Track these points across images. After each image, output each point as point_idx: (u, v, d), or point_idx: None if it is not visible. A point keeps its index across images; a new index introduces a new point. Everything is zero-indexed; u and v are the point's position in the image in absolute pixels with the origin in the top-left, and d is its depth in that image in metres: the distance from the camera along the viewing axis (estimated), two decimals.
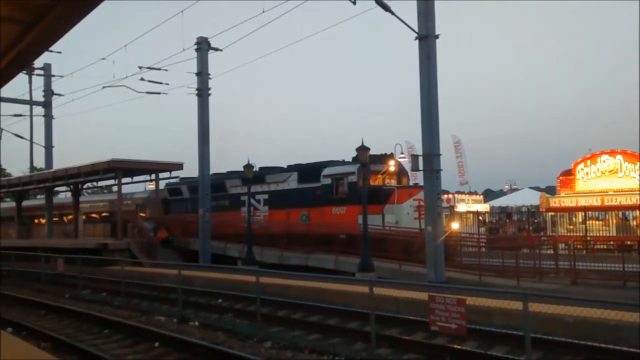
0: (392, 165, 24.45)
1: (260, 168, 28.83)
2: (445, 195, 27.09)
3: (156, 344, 10.85)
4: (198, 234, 28.07)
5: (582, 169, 30.27)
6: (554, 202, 30.62)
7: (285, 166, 28.22)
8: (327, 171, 24.76)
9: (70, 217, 38.87)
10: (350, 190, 23.36)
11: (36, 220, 42.89)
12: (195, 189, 29.52)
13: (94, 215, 39.75)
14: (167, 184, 35.18)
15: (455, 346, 9.73)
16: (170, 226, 30.95)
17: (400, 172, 25.19)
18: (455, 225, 24.28)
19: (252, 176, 25.54)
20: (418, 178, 29.48)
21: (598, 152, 30.13)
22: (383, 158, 24.38)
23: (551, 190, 35.65)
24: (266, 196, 27.90)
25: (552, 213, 29.11)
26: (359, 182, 22.69)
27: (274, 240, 25.28)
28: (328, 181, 24.51)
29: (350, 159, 25.00)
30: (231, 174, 30.75)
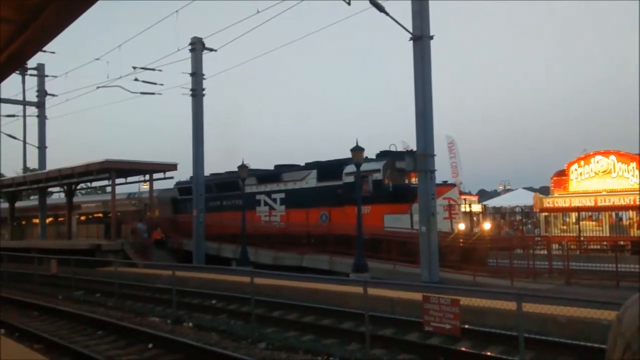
0: None
1: (276, 166, 28.30)
2: (466, 197, 25.64)
3: (150, 345, 10.83)
4: (192, 234, 28.00)
5: (575, 170, 30.36)
6: (548, 202, 30.71)
7: (303, 164, 27.27)
8: (349, 168, 23.30)
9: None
10: (376, 189, 22.23)
11: (35, 221, 42.57)
12: (208, 187, 28.86)
13: (93, 215, 39.44)
14: (177, 183, 34.35)
15: (449, 346, 9.75)
16: (174, 227, 30.30)
17: None
18: (487, 226, 23.66)
19: (246, 176, 25.47)
20: (445, 176, 28.40)
21: (592, 153, 30.24)
22: (410, 155, 23.40)
23: (545, 191, 35.75)
24: (283, 195, 27.00)
25: (546, 213, 29.21)
26: (385, 180, 22.25)
27: (290, 242, 24.42)
28: (351, 179, 22.99)
29: (373, 156, 23.94)
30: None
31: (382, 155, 23.62)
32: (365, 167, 22.04)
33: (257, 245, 25.73)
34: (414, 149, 19.05)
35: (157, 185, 34.54)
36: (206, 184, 28.96)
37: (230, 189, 28.95)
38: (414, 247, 19.10)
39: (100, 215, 37.81)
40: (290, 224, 25.95)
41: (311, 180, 25.55)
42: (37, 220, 39.06)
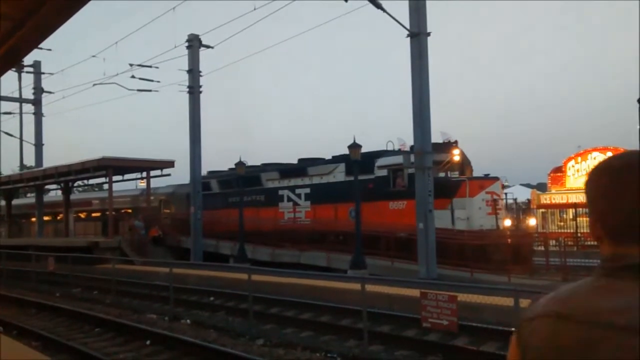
0: (456, 155, 21.60)
1: (300, 159, 27.29)
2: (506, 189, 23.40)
3: (147, 342, 10.83)
4: (190, 232, 28.00)
5: (572, 166, 30.47)
6: (545, 198, 30.80)
7: (330, 157, 25.66)
8: (382, 161, 22.22)
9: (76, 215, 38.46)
10: (412, 183, 20.43)
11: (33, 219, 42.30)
12: (227, 183, 27.67)
13: (94, 213, 39.21)
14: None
15: (447, 342, 9.77)
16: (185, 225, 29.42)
17: (464, 162, 22.28)
18: (532, 222, 22.40)
19: (243, 173, 25.37)
20: (485, 170, 27.21)
21: (589, 149, 30.33)
22: (446, 147, 21.68)
23: (542, 187, 35.86)
24: (308, 190, 25.51)
25: (543, 210, 29.29)
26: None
27: (316, 240, 23.27)
28: (383, 172, 21.88)
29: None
30: (267, 166, 28.82)
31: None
32: (399, 160, 20.88)
33: (278, 245, 24.79)
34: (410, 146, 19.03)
35: (157, 182, 34.30)
36: (225, 180, 27.90)
37: (251, 184, 27.80)
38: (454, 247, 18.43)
39: (98, 213, 37.57)
40: (315, 221, 24.40)
41: (339, 174, 24.03)
42: (34, 219, 38.99)
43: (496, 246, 18.45)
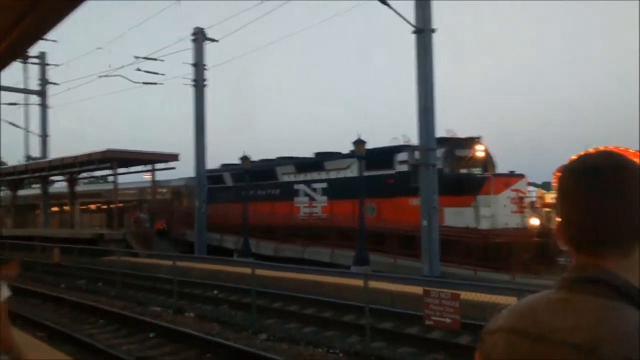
0: (479, 151, 20.99)
1: (317, 153, 26.65)
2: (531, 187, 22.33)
3: (151, 335, 10.89)
4: (195, 225, 28.05)
5: None
6: (550, 197, 30.67)
7: (347, 151, 24.16)
8: (403, 156, 21.39)
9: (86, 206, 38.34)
10: None
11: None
12: (241, 176, 26.96)
13: (100, 205, 39.16)
14: (207, 171, 31.89)
15: (450, 340, 9.77)
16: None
17: (487, 158, 21.65)
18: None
19: (248, 168, 25.34)
20: (509, 166, 25.38)
21: (594, 149, 30.21)
22: (469, 142, 21.09)
23: (547, 186, 35.70)
24: (325, 185, 25.07)
25: (548, 209, 29.16)
26: (446, 168, 20.38)
27: (332, 236, 22.78)
28: (404, 168, 20.87)
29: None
30: (282, 160, 28.40)
31: (439, 142, 20.84)
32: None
33: (292, 240, 24.39)
34: (416, 143, 18.91)
35: (170, 175, 34.13)
36: (238, 173, 27.41)
37: (265, 177, 27.49)
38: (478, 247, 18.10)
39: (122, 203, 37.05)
40: (332, 217, 23.73)
41: (356, 169, 22.67)
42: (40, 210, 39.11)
43: (521, 245, 18.00)
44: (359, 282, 11.28)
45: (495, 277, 16.68)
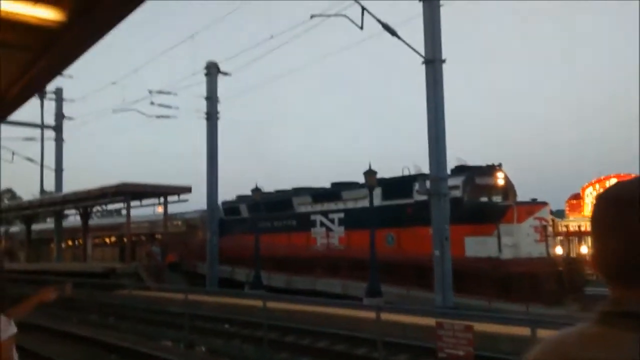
0: (500, 179, 20.94)
1: (333, 184, 26.69)
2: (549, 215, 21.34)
3: None
4: (206, 258, 28.04)
5: (590, 193, 30.17)
6: (563, 226, 30.42)
7: (364, 181, 23.57)
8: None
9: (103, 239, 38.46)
10: (454, 207, 19.39)
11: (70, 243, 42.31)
12: (257, 206, 26.89)
13: (114, 238, 39.34)
14: (222, 202, 32.19)
15: None
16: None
17: (508, 186, 21.43)
18: (584, 250, 21.10)
19: (259, 200, 25.44)
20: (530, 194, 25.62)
21: (607, 176, 30.04)
22: (490, 170, 20.98)
23: (560, 214, 35.45)
24: (342, 215, 24.80)
25: (561, 237, 28.90)
26: (466, 197, 20.17)
27: (351, 267, 22.16)
28: (423, 197, 20.40)
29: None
30: (298, 191, 28.27)
31: (459, 170, 21.19)
32: None
33: (316, 273, 24.02)
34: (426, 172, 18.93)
35: (185, 207, 34.10)
36: (254, 204, 27.06)
37: (282, 208, 27.44)
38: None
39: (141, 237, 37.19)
40: (349, 248, 23.42)
41: (375, 199, 22.34)
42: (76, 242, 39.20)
43: (546, 275, 17.65)
44: (371, 314, 11.16)
45: (509, 307, 16.45)
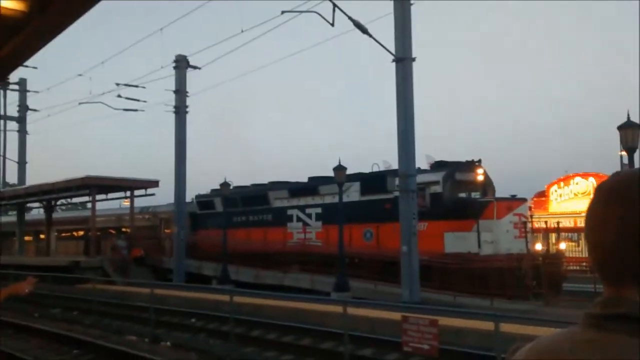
0: (480, 174, 20.85)
1: (310, 178, 26.16)
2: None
3: None
4: (173, 252, 27.78)
5: (555, 191, 30.81)
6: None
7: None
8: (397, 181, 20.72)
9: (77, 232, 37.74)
10: (434, 203, 19.84)
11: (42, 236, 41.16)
12: (233, 201, 26.69)
13: (79, 232, 38.61)
14: (196, 196, 31.73)
15: None
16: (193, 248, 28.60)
17: (487, 183, 21.42)
18: (563, 246, 21.12)
19: (227, 195, 25.33)
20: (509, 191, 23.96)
21: (571, 175, 30.72)
22: (469, 165, 20.99)
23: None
24: (319, 210, 24.39)
25: (540, 233, 29.50)
26: (445, 192, 20.08)
27: (328, 264, 21.49)
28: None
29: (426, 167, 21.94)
30: (275, 185, 27.91)
31: (439, 165, 21.32)
32: (420, 178, 19.67)
33: (292, 269, 23.79)
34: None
35: (159, 201, 33.73)
36: (230, 198, 26.63)
37: (258, 202, 27.06)
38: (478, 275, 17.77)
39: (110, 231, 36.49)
40: (327, 243, 22.87)
41: (353, 194, 22.69)
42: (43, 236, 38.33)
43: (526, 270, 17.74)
44: (338, 309, 11.22)
45: (474, 302, 16.69)
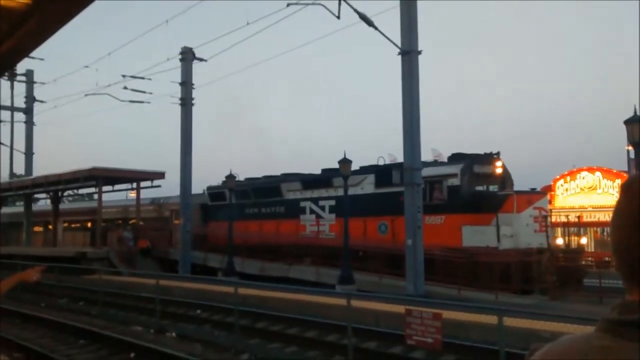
0: (498, 167, 20.46)
1: (324, 170, 25.49)
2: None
3: (132, 355, 10.75)
4: (180, 244, 27.88)
5: (561, 185, 30.66)
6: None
7: (357, 167, 22.86)
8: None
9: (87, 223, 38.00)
10: (451, 196, 19.46)
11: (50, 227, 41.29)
12: (244, 193, 26.57)
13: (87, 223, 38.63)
14: (207, 188, 31.39)
15: None
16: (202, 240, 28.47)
17: (505, 176, 21.03)
18: (584, 241, 20.60)
19: (234, 187, 25.34)
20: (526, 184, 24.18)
21: (579, 169, 30.58)
22: (489, 158, 20.51)
23: None
24: (333, 202, 23.93)
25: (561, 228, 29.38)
26: (463, 185, 19.68)
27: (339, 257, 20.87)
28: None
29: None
30: (287, 177, 27.49)
31: (456, 158, 20.90)
32: (437, 171, 19.75)
33: (305, 262, 23.56)
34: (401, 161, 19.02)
35: (169, 192, 33.54)
36: (242, 190, 26.57)
37: (270, 194, 26.70)
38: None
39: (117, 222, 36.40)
40: (342, 235, 21.55)
41: (367, 186, 22.40)
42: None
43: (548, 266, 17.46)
44: (342, 301, 11.26)
45: (479, 296, 16.69)
